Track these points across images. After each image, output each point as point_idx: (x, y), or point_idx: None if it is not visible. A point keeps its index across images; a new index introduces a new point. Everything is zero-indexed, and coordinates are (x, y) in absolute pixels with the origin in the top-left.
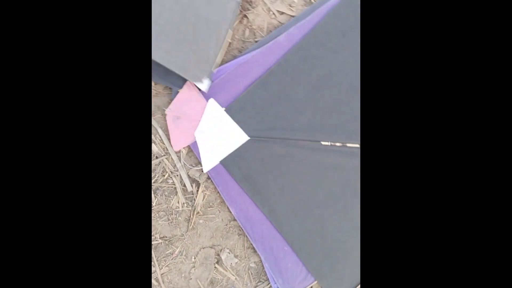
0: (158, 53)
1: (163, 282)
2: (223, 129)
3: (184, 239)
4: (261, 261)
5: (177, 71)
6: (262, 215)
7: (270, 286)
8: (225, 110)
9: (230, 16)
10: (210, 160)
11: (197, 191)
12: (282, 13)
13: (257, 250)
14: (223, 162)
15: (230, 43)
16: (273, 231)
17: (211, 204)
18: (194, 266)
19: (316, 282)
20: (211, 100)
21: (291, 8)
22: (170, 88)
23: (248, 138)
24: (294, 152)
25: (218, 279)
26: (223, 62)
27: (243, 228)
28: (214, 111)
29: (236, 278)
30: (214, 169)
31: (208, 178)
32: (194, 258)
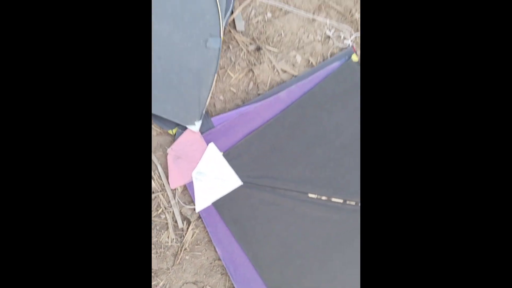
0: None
1: None
2: (219, 173)
3: (169, 272)
4: None
5: (166, 117)
6: (246, 258)
7: None
8: (223, 155)
9: (214, 63)
10: (203, 200)
11: (187, 228)
12: (285, 71)
13: None
14: (215, 204)
15: (234, 93)
16: (255, 276)
17: (199, 242)
18: None
19: None
20: (211, 144)
21: (293, 68)
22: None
23: (242, 183)
24: (282, 201)
25: None
26: (226, 110)
27: (226, 269)
28: (213, 154)
29: None
30: (206, 209)
31: (199, 217)
32: None
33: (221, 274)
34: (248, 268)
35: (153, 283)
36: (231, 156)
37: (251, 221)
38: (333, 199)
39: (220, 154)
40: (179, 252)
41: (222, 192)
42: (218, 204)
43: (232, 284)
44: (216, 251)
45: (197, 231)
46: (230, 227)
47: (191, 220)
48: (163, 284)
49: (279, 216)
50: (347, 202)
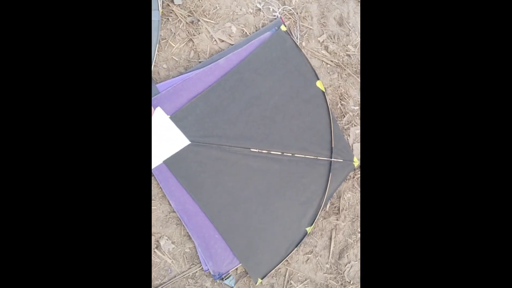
0: None
1: None
2: (168, 134)
3: None
4: (195, 247)
5: None
6: (197, 208)
7: (202, 268)
8: (170, 118)
9: (155, 35)
10: (154, 160)
11: None
12: (223, 41)
13: (192, 237)
14: (166, 162)
15: (177, 61)
16: (206, 222)
17: (153, 197)
18: None
19: (240, 264)
20: (158, 109)
21: (230, 37)
22: None
23: (189, 142)
24: (227, 156)
25: (157, 262)
26: (170, 77)
27: (180, 219)
28: (161, 118)
29: (172, 261)
30: (157, 167)
31: (152, 175)
32: None
33: (176, 225)
34: (199, 216)
35: None
36: (177, 118)
37: (201, 175)
38: (273, 152)
39: (167, 117)
40: None
41: (171, 152)
42: (169, 162)
43: (187, 232)
44: (170, 204)
45: (152, 187)
46: (181, 182)
47: None
48: None
49: (225, 169)
50: (284, 153)
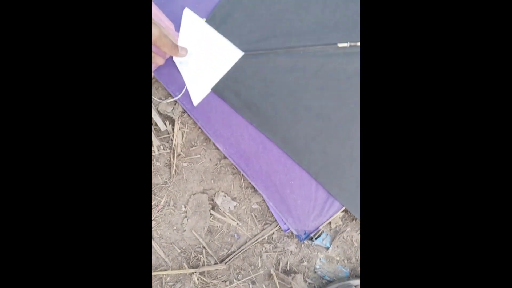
0: None
1: (152, 238)
2: (209, 47)
3: (168, 187)
4: (264, 200)
5: None
6: (257, 147)
7: (279, 228)
8: (206, 21)
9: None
10: (199, 89)
11: (173, 129)
12: None
13: (257, 188)
14: (215, 89)
15: None
16: (274, 165)
17: (193, 143)
18: (186, 216)
19: (333, 217)
20: (186, 10)
21: None
22: None
23: (243, 53)
24: (304, 63)
25: (217, 226)
26: None
27: (236, 166)
28: (193, 24)
29: (238, 223)
30: (189, 99)
31: (184, 112)
32: (185, 207)
33: (233, 175)
34: (263, 158)
35: (153, 202)
36: (218, 19)
37: (268, 98)
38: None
39: (202, 20)
40: (172, 160)
41: (219, 72)
42: (219, 89)
43: (249, 182)
44: (218, 149)
45: (186, 130)
46: (242, 114)
47: (174, 117)
48: (166, 202)
49: (304, 83)
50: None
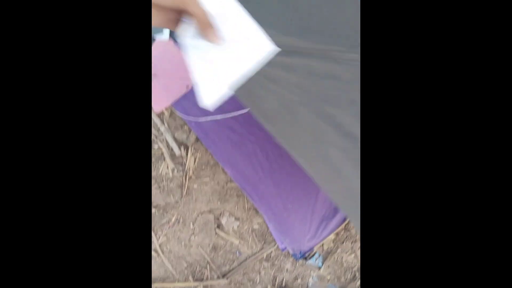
0: None
1: (162, 252)
2: (234, 32)
3: (179, 206)
4: (264, 221)
5: None
6: (261, 173)
7: (277, 247)
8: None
9: None
10: (212, 86)
11: (187, 154)
12: None
13: (259, 210)
14: (238, 91)
15: None
16: (275, 189)
17: (203, 167)
18: (193, 233)
19: (326, 239)
20: None
21: None
22: None
23: (279, 49)
24: (339, 70)
25: (221, 244)
26: None
27: (241, 189)
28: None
29: (240, 242)
30: (203, 128)
31: (197, 139)
32: (193, 225)
33: (237, 197)
34: (265, 183)
35: (164, 220)
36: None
37: (300, 107)
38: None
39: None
40: (184, 181)
41: (245, 68)
42: (243, 93)
43: (252, 204)
44: (225, 173)
45: (198, 155)
46: (265, 125)
47: (188, 144)
48: (176, 219)
49: (332, 92)
50: None
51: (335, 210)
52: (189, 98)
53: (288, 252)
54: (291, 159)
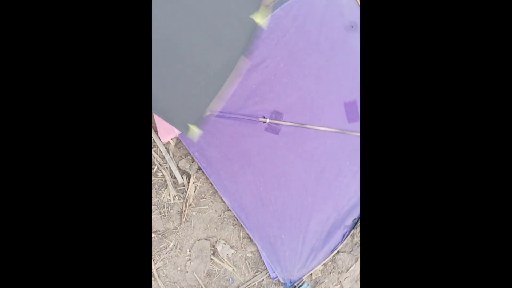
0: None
1: (159, 277)
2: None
3: (177, 232)
4: (258, 250)
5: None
6: (257, 203)
7: (269, 275)
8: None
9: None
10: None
11: (188, 182)
12: None
13: (253, 239)
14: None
15: None
16: (269, 219)
17: (203, 195)
18: (189, 259)
19: (315, 269)
20: None
21: None
22: None
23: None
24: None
25: (215, 270)
26: None
27: (237, 218)
28: None
29: (233, 269)
30: (205, 159)
31: (199, 169)
32: (189, 251)
33: (233, 225)
34: (260, 213)
35: (162, 245)
36: None
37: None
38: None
39: None
40: (184, 209)
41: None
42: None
43: (247, 233)
44: (223, 202)
45: (199, 184)
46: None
47: (190, 173)
48: (174, 245)
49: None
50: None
51: (324, 242)
52: None
53: (279, 281)
54: (287, 191)
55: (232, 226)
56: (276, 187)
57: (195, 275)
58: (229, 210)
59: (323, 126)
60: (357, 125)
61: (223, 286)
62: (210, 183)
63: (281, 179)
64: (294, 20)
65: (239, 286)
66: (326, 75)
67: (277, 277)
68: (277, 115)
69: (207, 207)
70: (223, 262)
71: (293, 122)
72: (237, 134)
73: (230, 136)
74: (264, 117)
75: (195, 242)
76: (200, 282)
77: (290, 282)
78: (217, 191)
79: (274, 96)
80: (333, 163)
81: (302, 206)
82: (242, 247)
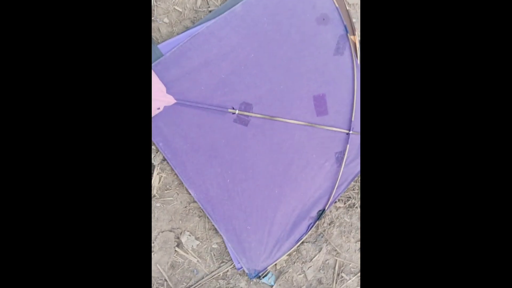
0: None
1: None
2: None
3: None
4: (223, 241)
5: None
6: (223, 195)
7: (234, 266)
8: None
9: None
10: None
11: (152, 174)
12: None
13: (219, 230)
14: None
15: (180, 12)
16: (235, 211)
17: (168, 186)
18: (153, 251)
19: (280, 259)
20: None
21: None
22: None
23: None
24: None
25: (179, 262)
26: (174, 34)
27: (203, 210)
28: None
29: (198, 260)
30: (170, 150)
31: (164, 160)
32: (153, 243)
33: (199, 217)
34: (226, 205)
35: None
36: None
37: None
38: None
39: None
40: None
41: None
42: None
43: (213, 224)
44: (189, 194)
45: (164, 175)
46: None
47: (154, 164)
48: None
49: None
50: (295, 122)
51: (289, 233)
52: (158, 119)
53: (244, 271)
54: (254, 183)
55: (197, 218)
56: (243, 179)
57: (158, 266)
58: (194, 201)
59: (292, 119)
60: (325, 119)
61: (187, 277)
62: (176, 174)
63: (248, 171)
64: (265, 9)
65: (203, 277)
66: (296, 68)
67: (242, 267)
68: (247, 106)
69: (171, 198)
70: (187, 253)
71: (262, 114)
72: (205, 124)
73: (197, 127)
74: (233, 108)
75: (158, 234)
76: (164, 273)
77: (255, 272)
78: (182, 183)
79: (244, 87)
80: (301, 156)
81: (268, 198)
82: (207, 239)
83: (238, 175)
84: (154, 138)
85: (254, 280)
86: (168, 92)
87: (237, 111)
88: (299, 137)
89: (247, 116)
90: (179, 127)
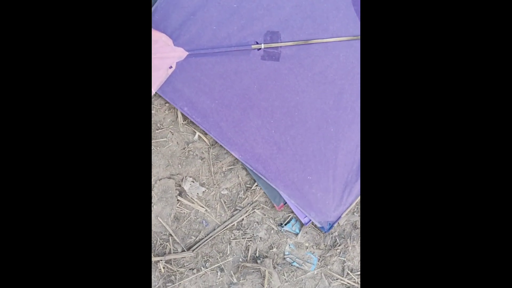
0: None
1: None
2: None
3: None
4: (233, 186)
5: None
6: (272, 149)
7: (249, 214)
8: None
9: None
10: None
11: None
12: None
13: (278, 189)
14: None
15: None
16: (290, 163)
17: (159, 125)
18: (152, 203)
19: (355, 202)
20: None
21: None
22: None
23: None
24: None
25: (184, 213)
26: None
27: (254, 171)
28: None
29: (206, 210)
30: (198, 112)
31: (155, 94)
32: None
33: (201, 159)
34: (278, 158)
35: None
36: None
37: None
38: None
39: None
40: None
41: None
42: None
43: (219, 167)
44: (185, 133)
45: (152, 112)
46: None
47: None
48: None
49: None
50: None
51: (358, 172)
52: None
53: (264, 220)
54: (303, 126)
55: (199, 160)
56: (290, 125)
57: (160, 220)
58: (193, 142)
59: (332, 37)
60: None
61: (195, 229)
62: (166, 109)
63: (294, 115)
64: None
65: (215, 229)
66: None
67: (310, 221)
68: (273, 35)
69: (165, 139)
70: (193, 202)
71: (294, 41)
72: (229, 72)
73: (220, 77)
74: (257, 43)
75: (156, 183)
76: (167, 227)
77: (328, 224)
78: (177, 120)
79: (264, 12)
80: (352, 81)
81: (324, 139)
82: (215, 184)
83: (283, 121)
84: (176, 104)
85: (276, 228)
86: (176, 44)
87: (262, 45)
88: (345, 57)
89: (276, 48)
90: (200, 83)
